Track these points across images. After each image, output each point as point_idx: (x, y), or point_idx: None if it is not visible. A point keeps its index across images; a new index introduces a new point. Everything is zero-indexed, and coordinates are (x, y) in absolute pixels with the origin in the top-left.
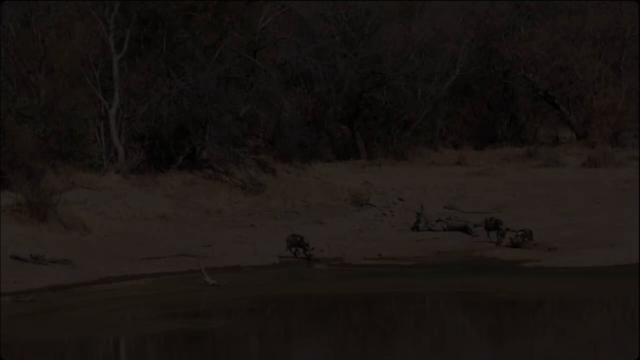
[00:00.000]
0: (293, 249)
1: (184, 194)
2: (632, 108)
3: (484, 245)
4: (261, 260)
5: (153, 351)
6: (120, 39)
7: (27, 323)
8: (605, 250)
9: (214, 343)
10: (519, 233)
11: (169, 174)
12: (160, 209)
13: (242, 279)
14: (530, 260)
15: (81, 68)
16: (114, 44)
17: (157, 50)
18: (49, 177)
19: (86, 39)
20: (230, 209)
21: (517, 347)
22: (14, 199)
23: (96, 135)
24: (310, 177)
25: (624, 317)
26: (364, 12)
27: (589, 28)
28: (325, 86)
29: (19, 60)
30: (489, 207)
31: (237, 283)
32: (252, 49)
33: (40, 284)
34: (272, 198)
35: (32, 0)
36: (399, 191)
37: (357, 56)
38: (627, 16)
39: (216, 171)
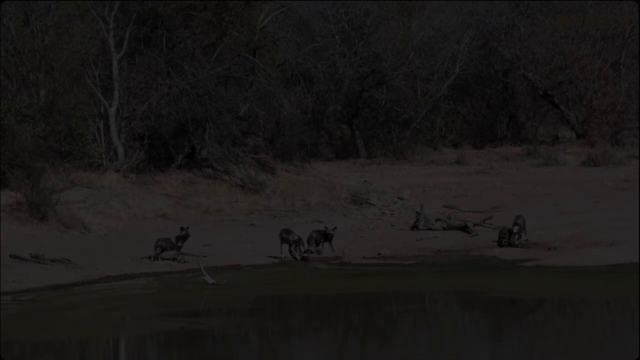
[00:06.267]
0: (292, 247)
1: (184, 193)
2: (632, 107)
3: (483, 245)
4: (261, 259)
5: (153, 350)
6: (120, 38)
7: (26, 322)
8: (605, 249)
9: (214, 342)
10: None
11: (169, 173)
12: (159, 208)
13: (241, 278)
14: (529, 260)
15: (81, 67)
16: (114, 43)
17: (157, 49)
18: (48, 176)
19: (86, 38)
20: (229, 208)
21: (516, 347)
22: (14, 198)
23: (96, 134)
24: (310, 176)
25: (624, 316)
26: (363, 11)
27: (589, 27)
28: (325, 85)
29: (18, 60)
30: (489, 206)
31: (236, 282)
32: (251, 48)
33: (40, 283)
34: (271, 197)
35: (32, 0)
36: (399, 190)
37: (357, 55)
38: (626, 15)
39: (216, 170)
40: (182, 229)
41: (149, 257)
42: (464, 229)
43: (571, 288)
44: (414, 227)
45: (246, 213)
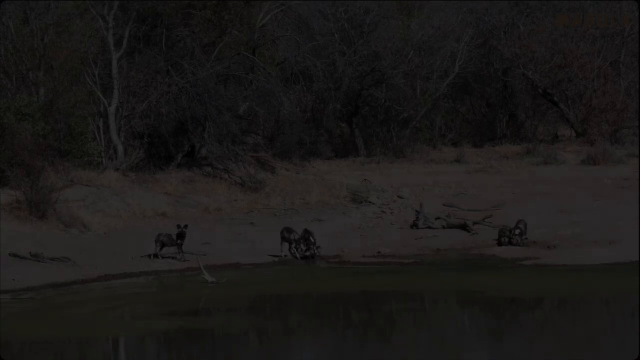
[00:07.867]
0: (293, 245)
1: (183, 192)
2: (632, 106)
3: (483, 244)
4: (260, 258)
5: (152, 350)
6: (119, 37)
7: (26, 321)
8: (604, 248)
9: (214, 341)
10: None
11: (169, 172)
12: (159, 206)
13: (241, 277)
14: (529, 258)
15: (81, 66)
16: (114, 42)
17: (157, 48)
18: (48, 175)
19: (85, 37)
20: (229, 207)
21: (516, 346)
22: (14, 196)
23: (96, 133)
24: (310, 175)
25: (623, 315)
26: (363, 10)
27: (589, 26)
28: (325, 84)
29: (18, 58)
30: (488, 205)
31: (236, 281)
32: (251, 47)
33: (39, 282)
34: (271, 196)
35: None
36: (398, 189)
37: (357, 54)
38: (626, 14)
39: (215, 169)
40: (179, 226)
41: (149, 256)
42: (464, 227)
43: (571, 287)
44: (414, 226)
45: (246, 212)
